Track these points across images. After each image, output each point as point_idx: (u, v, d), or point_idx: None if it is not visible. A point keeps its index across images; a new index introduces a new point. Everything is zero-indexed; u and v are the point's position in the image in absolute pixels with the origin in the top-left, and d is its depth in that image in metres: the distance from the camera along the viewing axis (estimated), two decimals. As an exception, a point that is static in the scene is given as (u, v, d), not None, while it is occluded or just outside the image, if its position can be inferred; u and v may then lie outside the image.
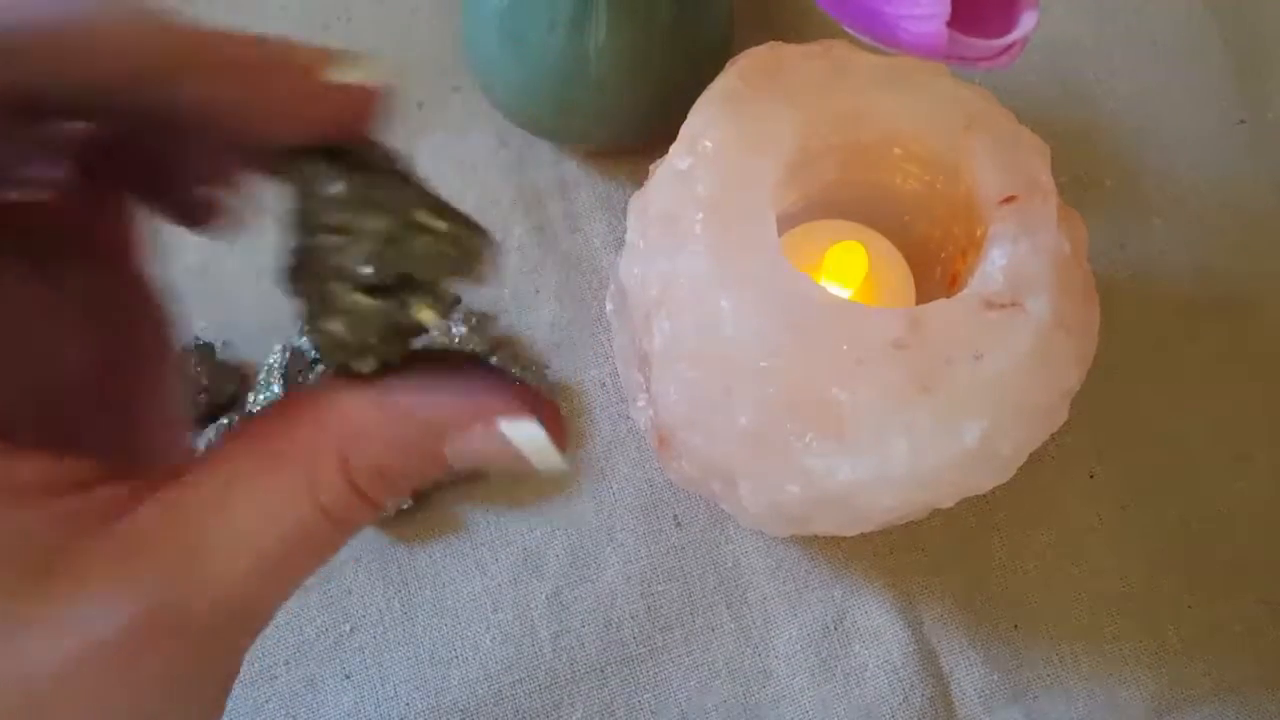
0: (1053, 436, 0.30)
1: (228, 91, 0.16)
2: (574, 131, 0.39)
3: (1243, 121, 0.43)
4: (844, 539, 0.36)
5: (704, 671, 0.34)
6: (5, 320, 0.18)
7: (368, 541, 0.35)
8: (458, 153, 0.40)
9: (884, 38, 0.28)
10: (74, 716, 0.15)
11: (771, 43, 0.32)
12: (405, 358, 0.17)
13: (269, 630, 0.34)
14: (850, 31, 0.29)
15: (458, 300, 0.41)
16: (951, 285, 0.33)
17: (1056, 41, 0.43)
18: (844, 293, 0.34)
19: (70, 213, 0.19)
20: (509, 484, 0.36)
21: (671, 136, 0.31)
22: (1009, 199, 0.30)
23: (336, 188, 0.16)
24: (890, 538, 0.36)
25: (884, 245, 0.35)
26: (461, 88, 0.41)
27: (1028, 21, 0.28)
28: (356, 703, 0.33)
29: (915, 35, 0.27)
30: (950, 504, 0.31)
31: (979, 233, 0.31)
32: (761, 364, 0.28)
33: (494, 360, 0.36)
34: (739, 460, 0.30)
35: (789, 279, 0.28)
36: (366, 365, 0.17)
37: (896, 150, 0.32)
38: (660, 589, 0.35)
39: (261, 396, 0.35)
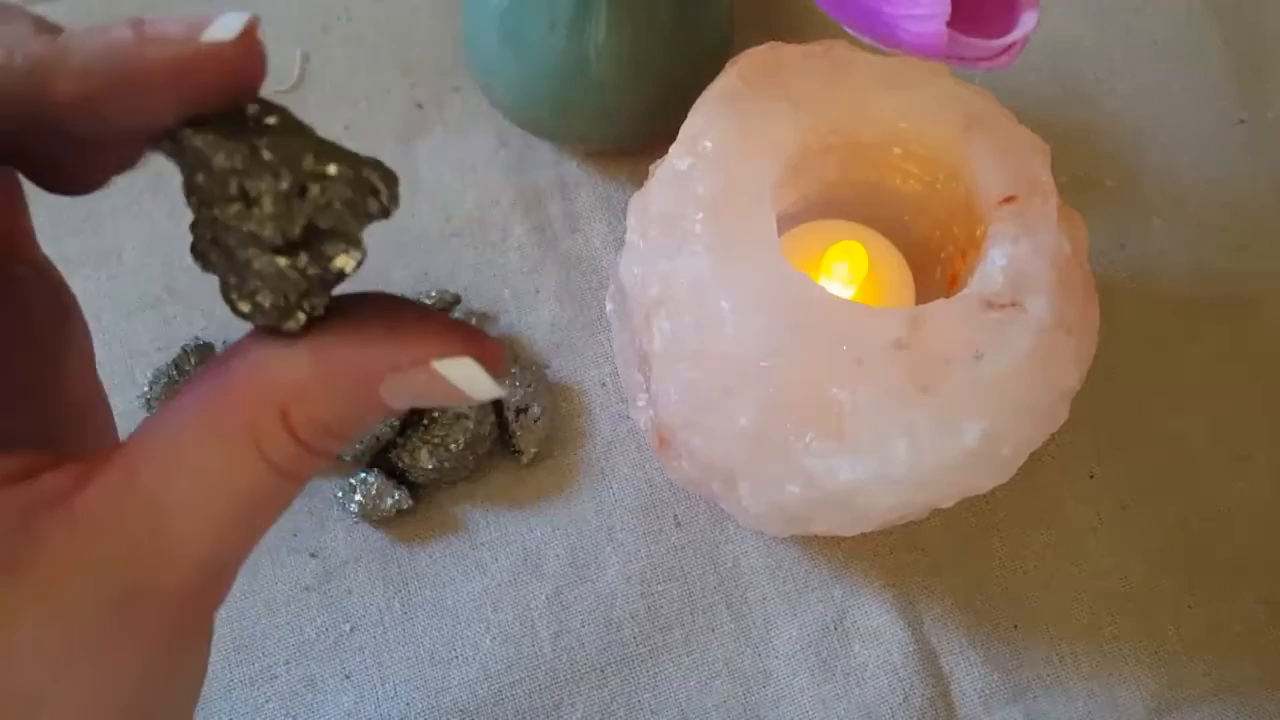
0: (1053, 436, 0.30)
1: (95, 83, 0.16)
2: (574, 132, 0.39)
3: (1243, 121, 0.43)
4: (844, 539, 0.36)
5: (704, 671, 0.34)
6: None
7: (368, 542, 0.35)
8: (458, 153, 0.40)
9: (884, 38, 0.28)
10: (68, 706, 0.15)
11: (771, 43, 0.32)
12: (330, 306, 0.17)
13: (269, 630, 0.34)
14: (850, 31, 0.29)
15: (457, 300, 0.41)
16: (951, 285, 0.33)
17: (1056, 41, 0.43)
18: (844, 293, 0.34)
19: None
20: (509, 484, 0.36)
21: (671, 136, 0.31)
22: (1009, 199, 0.30)
23: (220, 158, 0.16)
24: (890, 538, 0.36)
25: (884, 245, 0.35)
26: (461, 88, 0.41)
27: (1027, 22, 0.28)
28: (356, 703, 0.33)
29: (915, 35, 0.27)
30: (950, 504, 0.31)
31: (979, 233, 0.31)
32: (761, 364, 0.28)
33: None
34: (739, 460, 0.30)
35: (789, 279, 0.28)
36: (295, 323, 0.17)
37: (896, 150, 0.32)
38: (660, 589, 0.35)
39: None
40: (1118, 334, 0.38)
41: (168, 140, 0.16)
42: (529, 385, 0.36)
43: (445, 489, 0.36)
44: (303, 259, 0.16)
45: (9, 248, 0.19)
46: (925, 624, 0.35)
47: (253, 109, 0.17)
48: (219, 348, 0.36)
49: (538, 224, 0.40)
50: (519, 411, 0.36)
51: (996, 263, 0.29)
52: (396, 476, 0.35)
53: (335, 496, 0.35)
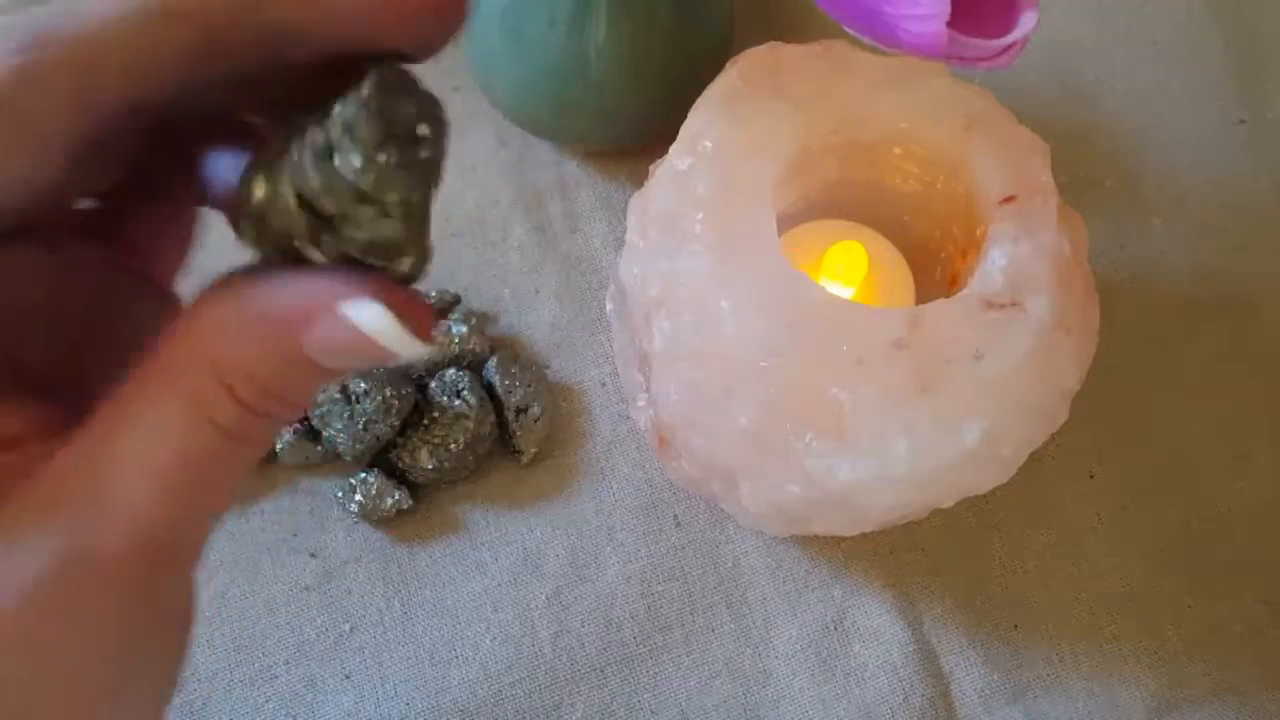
0: (1053, 436, 0.30)
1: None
2: (574, 131, 0.39)
3: (1243, 121, 0.43)
4: (844, 539, 0.36)
5: (704, 671, 0.34)
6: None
7: (368, 542, 0.35)
8: (458, 153, 0.40)
9: (884, 38, 0.28)
10: (19, 674, 0.16)
11: (771, 43, 0.32)
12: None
13: (269, 630, 0.34)
14: (850, 31, 0.29)
15: (457, 300, 0.41)
16: (951, 285, 0.33)
17: (1056, 41, 0.43)
18: (844, 293, 0.34)
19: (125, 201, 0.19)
20: (509, 484, 0.36)
21: (671, 136, 0.31)
22: (1009, 199, 0.30)
23: (355, 169, 0.15)
24: (890, 538, 0.36)
25: (884, 245, 0.35)
26: (461, 88, 0.41)
27: (1027, 22, 0.28)
28: (356, 703, 0.33)
29: (915, 35, 0.27)
30: (950, 504, 0.31)
31: (979, 232, 0.31)
32: (761, 364, 0.28)
33: (494, 360, 0.36)
34: (739, 460, 0.30)
35: (789, 279, 0.28)
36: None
37: (896, 150, 0.32)
38: (660, 589, 0.35)
39: None
40: (1118, 334, 0.38)
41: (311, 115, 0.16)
42: (529, 385, 0.36)
43: (445, 489, 0.36)
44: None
45: (147, 279, 0.20)
46: (925, 624, 0.35)
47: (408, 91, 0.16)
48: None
49: (538, 224, 0.40)
50: (519, 411, 0.36)
51: (996, 263, 0.29)
52: (396, 476, 0.35)
53: (335, 496, 0.35)
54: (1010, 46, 0.28)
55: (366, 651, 0.34)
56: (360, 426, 0.34)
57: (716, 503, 0.34)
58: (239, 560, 0.35)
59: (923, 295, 0.34)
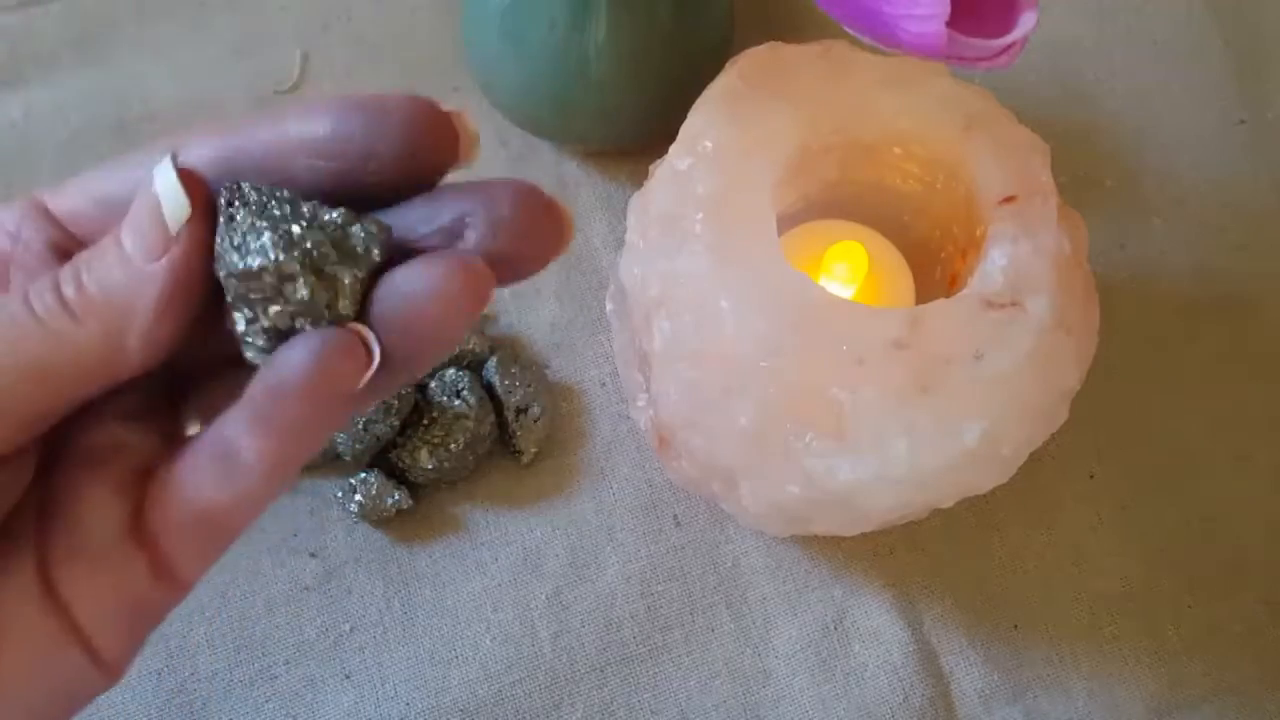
0: (1053, 436, 0.30)
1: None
2: (574, 131, 0.39)
3: (1243, 121, 0.43)
4: (844, 539, 0.36)
5: (704, 671, 0.34)
6: None
7: (368, 542, 0.35)
8: (458, 153, 0.40)
9: (884, 38, 0.28)
10: None
11: (771, 43, 0.32)
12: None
13: (269, 630, 0.34)
14: (850, 31, 0.29)
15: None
16: (951, 285, 0.33)
17: (1056, 41, 0.43)
18: (844, 292, 0.34)
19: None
20: (509, 484, 0.36)
21: (671, 136, 0.31)
22: (1009, 199, 0.30)
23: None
24: (890, 538, 0.36)
25: (884, 245, 0.35)
26: (461, 88, 0.41)
27: (1027, 22, 0.28)
28: (356, 702, 0.33)
29: (915, 35, 0.27)
30: (950, 504, 0.31)
31: (979, 232, 0.31)
32: (761, 364, 0.28)
33: (494, 360, 0.36)
34: (739, 460, 0.30)
35: (789, 279, 0.28)
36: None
37: (896, 150, 0.32)
38: (660, 589, 0.35)
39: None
40: (1118, 334, 0.38)
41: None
42: (529, 385, 0.36)
43: (445, 489, 0.36)
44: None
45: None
46: (925, 624, 0.35)
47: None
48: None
49: (538, 224, 0.40)
50: (519, 411, 0.36)
51: (996, 263, 0.29)
52: (396, 476, 0.35)
53: (335, 497, 0.35)
54: (1010, 46, 0.28)
55: (366, 651, 0.34)
56: (360, 427, 0.34)
57: (716, 503, 0.34)
58: (239, 560, 0.35)
59: (923, 295, 0.34)
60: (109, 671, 0.19)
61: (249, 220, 0.17)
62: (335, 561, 0.35)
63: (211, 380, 0.21)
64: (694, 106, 0.31)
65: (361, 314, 0.18)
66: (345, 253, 0.17)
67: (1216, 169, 0.42)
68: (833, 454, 0.28)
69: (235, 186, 0.18)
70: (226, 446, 0.18)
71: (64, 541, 0.18)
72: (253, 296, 0.17)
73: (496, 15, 0.36)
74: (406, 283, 0.17)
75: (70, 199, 0.20)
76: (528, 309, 0.38)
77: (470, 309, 0.18)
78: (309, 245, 0.17)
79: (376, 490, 0.34)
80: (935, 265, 0.35)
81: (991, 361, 0.28)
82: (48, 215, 0.20)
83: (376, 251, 0.18)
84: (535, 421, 0.36)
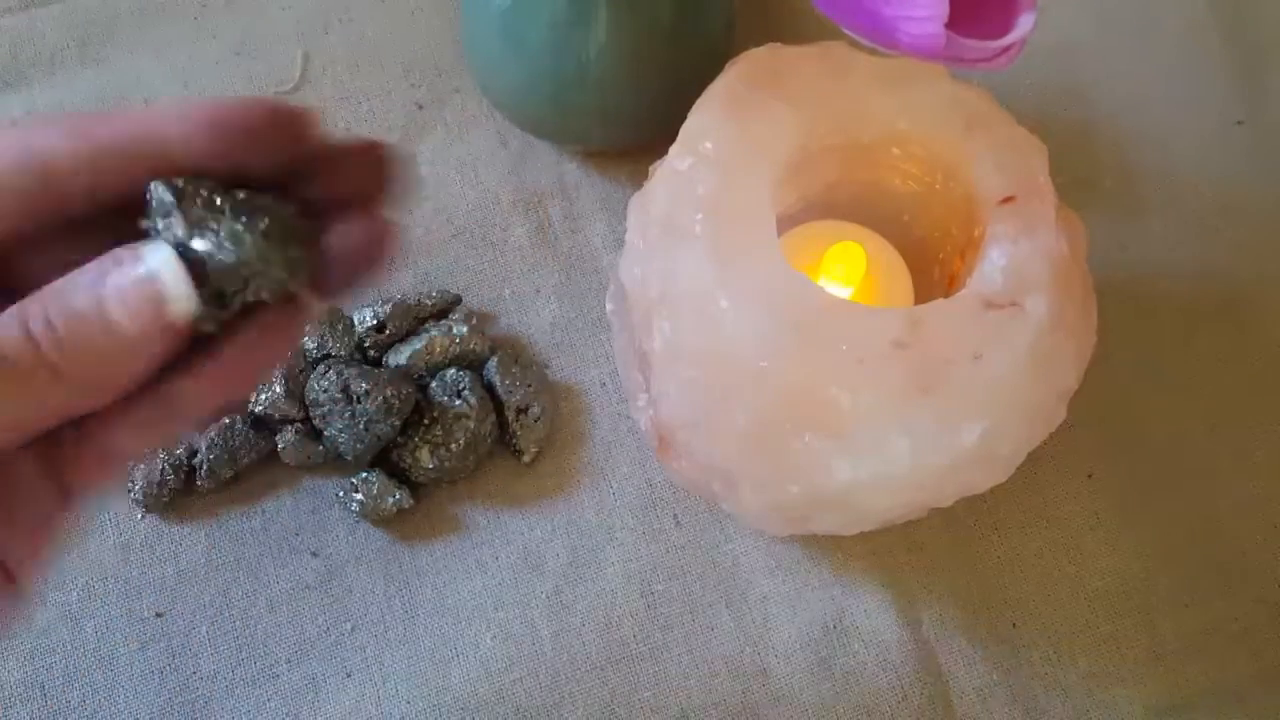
0: (1052, 436, 0.30)
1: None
2: (574, 132, 0.39)
3: (1241, 122, 0.43)
4: (844, 539, 0.36)
5: (704, 670, 0.34)
6: None
7: (369, 541, 0.35)
8: (458, 153, 0.41)
9: (883, 39, 0.28)
10: None
11: (771, 44, 0.32)
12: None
13: (271, 629, 0.34)
14: (849, 33, 0.29)
15: (457, 300, 0.41)
16: (950, 285, 0.33)
17: (1055, 42, 0.43)
18: (843, 293, 0.34)
19: None
20: (509, 483, 0.36)
21: (671, 137, 0.31)
22: (1007, 199, 0.30)
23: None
24: (890, 537, 0.36)
25: (883, 245, 0.35)
26: (461, 88, 0.41)
27: (1026, 23, 0.28)
28: (358, 701, 0.33)
29: (914, 37, 0.27)
30: (949, 503, 0.31)
31: (977, 233, 0.31)
32: (761, 364, 0.28)
33: (494, 360, 0.36)
34: (739, 460, 0.30)
35: (789, 279, 0.28)
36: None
37: (895, 151, 0.33)
38: (660, 588, 0.35)
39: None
40: (1116, 334, 0.38)
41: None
42: (529, 385, 0.36)
43: (446, 488, 0.36)
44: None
45: None
46: (924, 623, 0.35)
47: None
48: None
49: (538, 224, 0.40)
50: (519, 411, 0.36)
51: (995, 263, 0.29)
52: (397, 476, 0.35)
53: (337, 496, 0.35)
54: (1009, 48, 0.28)
55: (368, 650, 0.34)
56: (361, 426, 0.34)
57: (716, 503, 0.34)
58: (241, 559, 0.35)
59: (922, 295, 0.34)
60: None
61: (202, 212, 0.19)
62: (337, 561, 0.35)
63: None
64: (694, 107, 0.31)
65: (297, 274, 0.19)
66: (288, 233, 0.19)
67: (1215, 170, 0.42)
68: (832, 454, 0.28)
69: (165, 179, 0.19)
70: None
71: None
72: (224, 280, 0.19)
73: (496, 15, 0.36)
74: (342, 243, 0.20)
75: None
76: (528, 309, 0.38)
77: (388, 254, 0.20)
78: (264, 231, 0.19)
79: (378, 490, 0.35)
80: (934, 266, 0.35)
81: (990, 362, 0.28)
82: None
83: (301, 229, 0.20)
84: (536, 421, 0.36)
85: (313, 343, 0.35)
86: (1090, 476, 0.37)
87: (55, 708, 0.33)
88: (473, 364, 0.37)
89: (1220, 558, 0.37)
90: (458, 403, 0.35)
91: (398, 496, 0.35)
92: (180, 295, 0.18)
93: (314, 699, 0.33)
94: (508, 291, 0.39)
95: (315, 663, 0.34)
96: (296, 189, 0.20)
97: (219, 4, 0.42)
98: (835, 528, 0.32)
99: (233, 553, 0.35)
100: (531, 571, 0.35)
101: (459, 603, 0.35)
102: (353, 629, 0.34)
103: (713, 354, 0.29)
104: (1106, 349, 0.32)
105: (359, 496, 0.35)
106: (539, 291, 0.39)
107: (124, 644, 0.33)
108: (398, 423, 0.35)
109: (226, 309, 0.19)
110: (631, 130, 0.38)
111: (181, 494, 0.35)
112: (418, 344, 0.36)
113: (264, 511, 0.35)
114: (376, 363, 0.36)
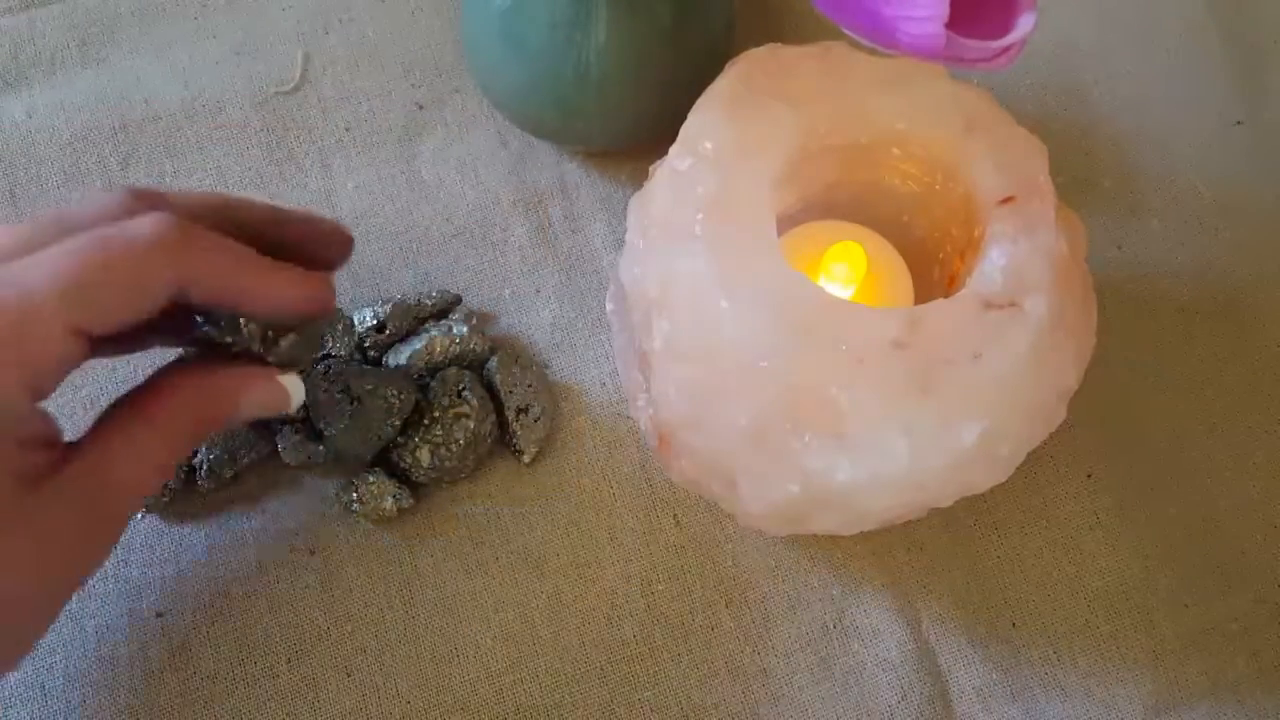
0: (1051, 436, 0.30)
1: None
2: (574, 132, 0.39)
3: (1241, 122, 0.43)
4: (843, 539, 0.36)
5: (704, 670, 0.34)
6: None
7: (369, 540, 0.35)
8: (458, 153, 0.41)
9: (883, 40, 0.28)
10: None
11: (771, 44, 0.32)
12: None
13: (271, 629, 0.34)
14: (848, 33, 0.29)
15: (457, 300, 0.41)
16: (950, 285, 0.33)
17: (1055, 43, 0.43)
18: (843, 293, 0.34)
19: None
20: (509, 483, 0.36)
21: (671, 137, 0.31)
22: (1007, 200, 0.30)
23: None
24: (889, 537, 0.36)
25: (883, 245, 0.35)
26: (461, 88, 0.41)
27: (1026, 23, 0.28)
28: (358, 701, 0.33)
29: (914, 37, 0.27)
30: (949, 503, 0.31)
31: (977, 233, 0.31)
32: (761, 364, 0.28)
33: (494, 360, 0.36)
34: (739, 460, 0.30)
35: (789, 279, 0.28)
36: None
37: (895, 151, 0.33)
38: (660, 589, 0.35)
39: None
40: (1115, 334, 0.38)
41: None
42: (529, 385, 0.36)
43: (446, 488, 0.36)
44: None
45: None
46: (924, 623, 0.35)
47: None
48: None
49: (538, 224, 0.40)
50: (519, 411, 0.36)
51: (995, 263, 0.29)
52: (398, 475, 0.35)
53: (336, 496, 0.35)
54: (1009, 48, 0.28)
55: (368, 650, 0.34)
56: (361, 426, 0.34)
57: (716, 503, 0.34)
58: (241, 559, 0.35)
59: (921, 295, 0.34)
60: None
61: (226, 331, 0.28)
62: (336, 560, 0.35)
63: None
64: (694, 107, 0.31)
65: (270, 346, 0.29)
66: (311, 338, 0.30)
67: (1214, 170, 0.42)
68: (832, 454, 0.28)
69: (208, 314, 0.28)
70: None
71: None
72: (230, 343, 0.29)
73: (497, 16, 0.36)
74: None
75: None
76: (528, 309, 0.38)
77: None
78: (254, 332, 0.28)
79: (378, 489, 0.35)
80: (934, 265, 0.35)
81: (990, 361, 0.28)
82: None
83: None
84: (536, 421, 0.36)
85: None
86: (1090, 476, 0.37)
87: (55, 708, 0.33)
88: (473, 364, 0.37)
89: (1219, 557, 0.37)
90: (458, 403, 0.35)
91: (398, 496, 0.35)
92: (296, 400, 0.30)
93: (314, 699, 0.33)
94: (508, 291, 0.39)
95: (315, 662, 0.34)
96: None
97: (219, 4, 0.42)
98: (835, 528, 0.32)
99: (233, 553, 0.35)
100: (531, 571, 0.35)
101: (459, 602, 0.35)
102: (352, 629, 0.34)
103: (713, 354, 0.29)
104: (1106, 349, 0.32)
105: (359, 496, 0.35)
106: (539, 291, 0.39)
107: (124, 644, 0.33)
108: (398, 423, 0.35)
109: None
110: (631, 130, 0.38)
111: (181, 494, 0.35)
112: (418, 344, 0.36)
113: (264, 511, 0.35)
114: (376, 363, 0.36)
